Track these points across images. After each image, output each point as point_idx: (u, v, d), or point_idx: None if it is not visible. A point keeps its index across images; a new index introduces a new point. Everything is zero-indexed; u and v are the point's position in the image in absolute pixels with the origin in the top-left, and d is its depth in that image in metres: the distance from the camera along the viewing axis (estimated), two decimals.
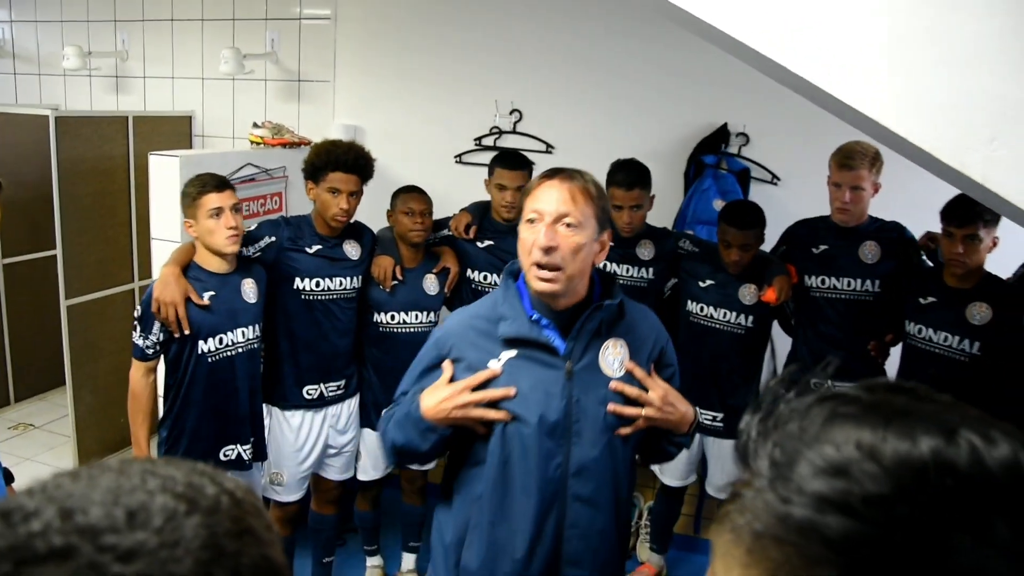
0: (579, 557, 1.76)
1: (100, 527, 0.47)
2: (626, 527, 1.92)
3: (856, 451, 0.48)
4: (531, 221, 1.68)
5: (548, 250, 1.63)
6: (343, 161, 2.85)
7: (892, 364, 3.04)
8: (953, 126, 1.34)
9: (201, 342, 2.62)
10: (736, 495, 0.54)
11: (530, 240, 1.66)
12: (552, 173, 1.72)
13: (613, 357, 1.76)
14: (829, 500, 0.47)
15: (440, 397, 1.71)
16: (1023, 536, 0.45)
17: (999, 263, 2.78)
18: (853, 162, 2.83)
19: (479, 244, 3.19)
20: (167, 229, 3.24)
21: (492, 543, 1.76)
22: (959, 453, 0.47)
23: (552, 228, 1.64)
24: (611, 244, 3.09)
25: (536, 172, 3.13)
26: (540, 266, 1.65)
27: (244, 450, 2.77)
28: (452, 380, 1.74)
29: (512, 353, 1.72)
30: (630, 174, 3.03)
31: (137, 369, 2.62)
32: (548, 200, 1.67)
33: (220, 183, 2.63)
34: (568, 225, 1.65)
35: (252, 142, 3.87)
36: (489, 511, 1.75)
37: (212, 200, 2.58)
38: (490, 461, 1.74)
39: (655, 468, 3.31)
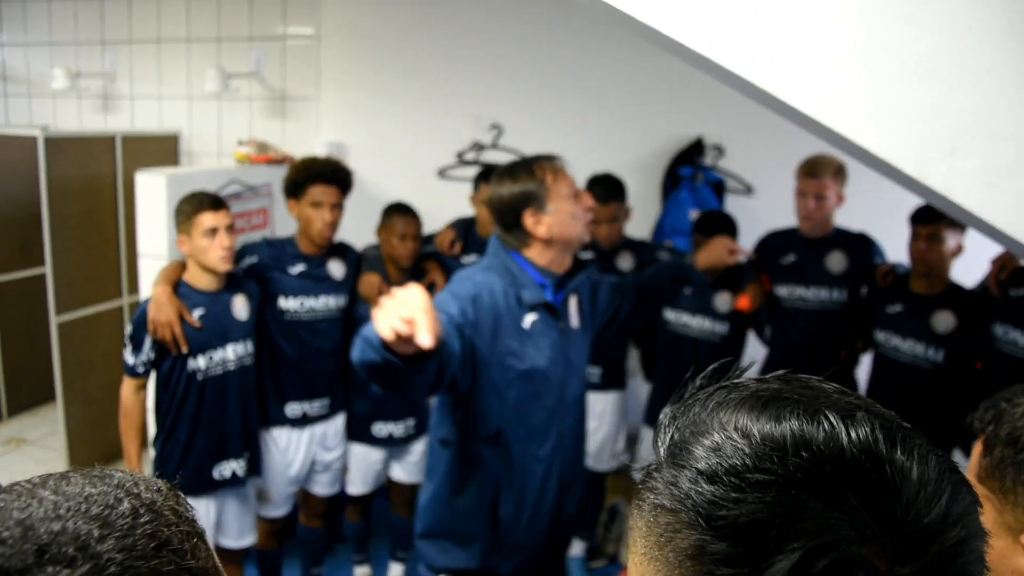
0: (569, 482, 2.15)
1: (10, 570, 0.48)
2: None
3: (733, 431, 0.56)
4: (575, 195, 2.07)
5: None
6: (323, 173, 2.89)
7: (863, 372, 3.11)
8: (915, 138, 1.37)
9: (191, 360, 2.65)
10: (647, 475, 0.61)
11: (583, 207, 2.08)
12: (558, 159, 2.11)
13: (574, 310, 2.15)
14: (703, 472, 0.55)
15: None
16: (871, 505, 0.50)
17: (965, 274, 2.86)
18: (817, 171, 2.92)
19: (464, 260, 3.24)
20: (154, 246, 3.29)
21: (520, 490, 2.07)
22: (817, 431, 0.53)
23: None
24: (591, 255, 3.20)
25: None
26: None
27: (238, 466, 2.80)
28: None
29: (534, 316, 2.03)
30: (605, 188, 3.11)
31: (128, 386, 2.66)
32: (568, 180, 2.08)
33: (215, 202, 2.65)
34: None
35: (237, 160, 3.94)
36: (518, 464, 2.05)
37: (208, 220, 2.60)
38: (514, 417, 2.03)
39: (635, 474, 3.36)
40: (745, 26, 1.43)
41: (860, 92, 1.39)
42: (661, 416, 0.65)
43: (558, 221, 2.03)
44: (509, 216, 2.06)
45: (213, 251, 2.62)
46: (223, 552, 2.91)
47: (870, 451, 0.52)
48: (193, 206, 2.63)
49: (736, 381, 0.63)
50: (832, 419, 0.54)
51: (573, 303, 2.15)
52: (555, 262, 2.09)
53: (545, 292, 2.06)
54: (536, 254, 2.08)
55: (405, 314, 1.46)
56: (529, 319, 2.02)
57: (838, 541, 0.49)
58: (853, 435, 0.53)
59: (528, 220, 2.04)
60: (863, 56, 1.38)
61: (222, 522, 2.85)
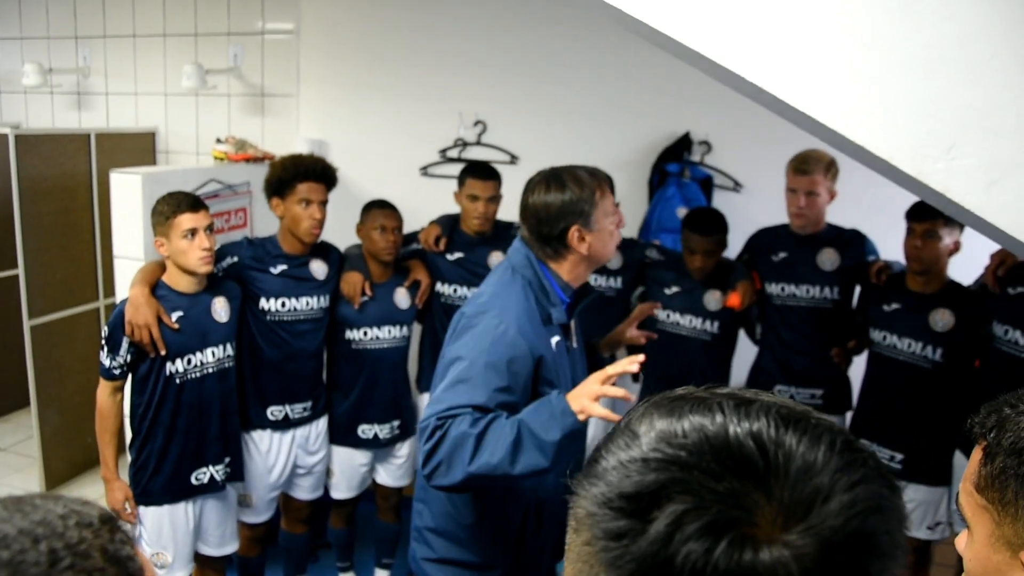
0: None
1: None
2: None
3: (644, 432, 0.59)
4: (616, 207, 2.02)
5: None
6: (312, 170, 2.84)
7: (856, 370, 3.08)
8: (911, 134, 1.33)
9: (169, 363, 2.59)
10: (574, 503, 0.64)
11: (619, 226, 2.05)
12: (606, 177, 2.05)
13: (574, 333, 2.11)
14: (605, 468, 0.59)
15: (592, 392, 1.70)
16: (749, 478, 0.53)
17: (963, 271, 2.83)
18: (808, 167, 2.88)
19: (449, 257, 3.20)
20: (130, 247, 3.20)
21: (546, 513, 2.02)
22: (711, 421, 0.57)
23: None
24: None
25: (503, 182, 3.17)
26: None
27: (216, 471, 2.74)
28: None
29: (557, 336, 1.98)
30: None
31: (104, 389, 2.59)
32: (609, 198, 2.02)
33: (194, 203, 2.59)
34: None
35: (216, 158, 3.85)
36: (546, 491, 1.97)
37: (186, 221, 2.54)
38: None
39: None
40: (737, 20, 1.39)
41: (856, 87, 1.36)
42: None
43: (599, 239, 1.96)
44: (552, 226, 1.94)
45: (192, 253, 2.55)
46: (204, 560, 2.85)
47: (757, 435, 0.56)
48: (171, 207, 2.56)
49: (664, 394, 0.66)
50: (725, 410, 0.58)
51: (573, 322, 2.10)
52: (579, 279, 2.03)
53: (563, 310, 2.00)
54: (566, 269, 1.99)
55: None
56: (555, 340, 1.95)
57: (710, 504, 0.52)
58: (744, 423, 0.57)
59: (573, 234, 1.94)
60: (860, 50, 1.35)
61: (202, 528, 2.79)
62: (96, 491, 3.98)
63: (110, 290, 4.11)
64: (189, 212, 2.55)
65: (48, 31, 4.86)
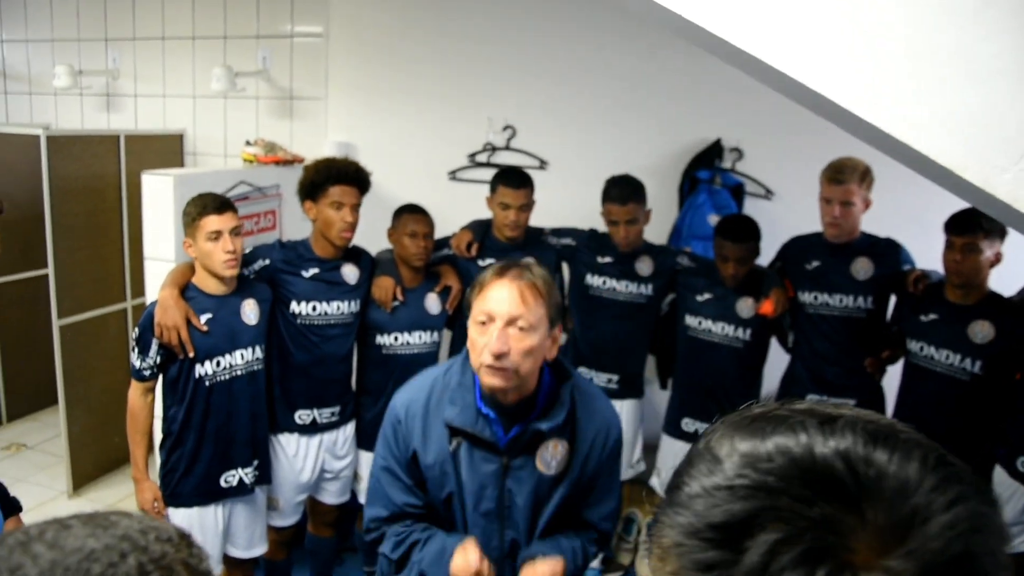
0: None
1: None
2: None
3: (738, 457, 0.56)
4: (483, 323, 1.68)
5: (500, 356, 1.64)
6: (344, 173, 2.83)
7: (890, 381, 3.04)
8: (979, 144, 1.29)
9: (198, 365, 2.59)
10: (652, 523, 0.62)
11: (481, 343, 1.67)
12: (502, 271, 1.71)
13: (551, 457, 1.80)
14: (696, 495, 0.56)
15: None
16: (841, 501, 0.51)
17: (1005, 283, 2.79)
18: (843, 176, 2.84)
19: (480, 263, 3.17)
20: (160, 248, 3.21)
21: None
22: (797, 441, 0.55)
23: (504, 332, 1.65)
24: (610, 260, 3.13)
25: (535, 187, 3.15)
26: (491, 367, 1.66)
27: (246, 474, 2.74)
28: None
29: (457, 441, 1.78)
30: (624, 188, 3.04)
31: (135, 389, 2.60)
32: (500, 302, 1.67)
33: (221, 205, 2.58)
34: (520, 328, 1.66)
35: (245, 160, 3.86)
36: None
37: (212, 223, 2.54)
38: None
39: (654, 483, 3.31)
40: (797, 25, 1.36)
41: (921, 95, 1.32)
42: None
43: (469, 341, 1.73)
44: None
45: (217, 255, 2.56)
46: (232, 562, 2.84)
47: (845, 454, 0.53)
48: (198, 208, 2.57)
49: (737, 412, 0.64)
50: (809, 429, 0.56)
51: (553, 447, 1.79)
52: (504, 391, 1.72)
53: (486, 422, 1.76)
54: None
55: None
56: (453, 443, 1.79)
57: (804, 531, 0.50)
58: (831, 442, 0.54)
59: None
60: (924, 59, 1.31)
61: (231, 531, 2.79)
62: (123, 491, 4.00)
63: (138, 291, 4.13)
64: (215, 214, 2.55)
65: (79, 33, 4.91)
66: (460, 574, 1.71)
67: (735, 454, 0.56)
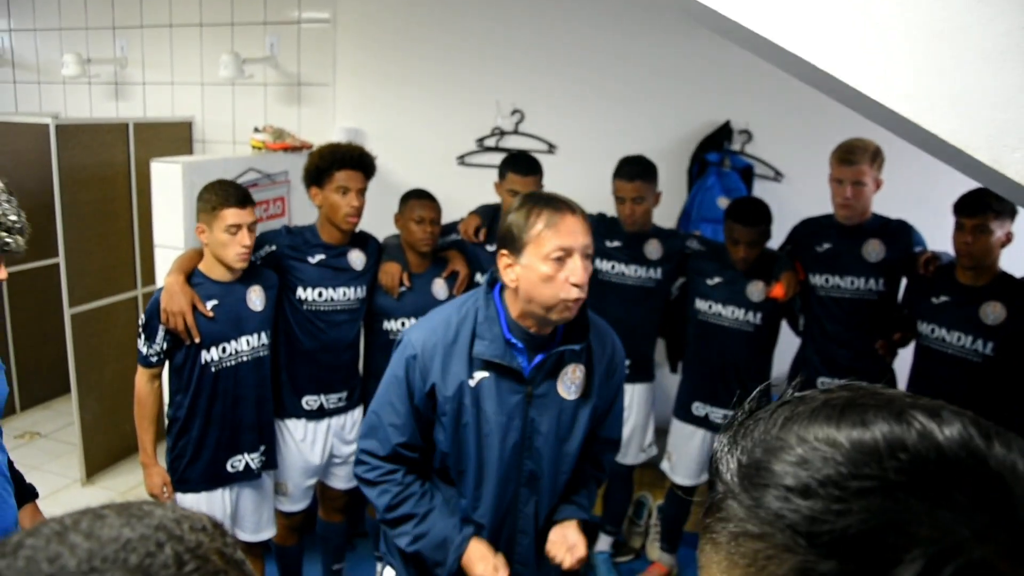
0: (526, 559, 1.97)
1: None
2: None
3: (816, 442, 0.52)
4: (558, 259, 1.71)
5: (583, 285, 1.73)
6: (350, 158, 2.82)
7: (901, 364, 3.02)
8: (989, 124, 1.28)
9: (204, 351, 2.60)
10: (712, 507, 0.57)
11: (562, 277, 1.71)
12: (566, 206, 1.76)
13: (571, 382, 1.88)
14: (791, 488, 0.50)
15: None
16: (981, 503, 0.46)
17: (1015, 263, 2.75)
18: (854, 157, 2.82)
19: (489, 248, 3.16)
20: (170, 236, 3.22)
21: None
22: (909, 432, 0.49)
23: (586, 263, 1.74)
24: (618, 244, 3.12)
25: (544, 171, 3.14)
26: (577, 300, 1.74)
27: (252, 459, 2.74)
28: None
29: (484, 374, 1.82)
30: (634, 167, 3.04)
31: (142, 375, 2.61)
32: (575, 234, 1.73)
33: (243, 199, 2.57)
34: (587, 256, 1.75)
35: (253, 147, 3.86)
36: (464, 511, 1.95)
37: (232, 216, 2.53)
38: (467, 468, 1.91)
39: (665, 467, 3.30)
40: (807, 5, 1.34)
41: (931, 75, 1.31)
42: (716, 446, 0.61)
43: (527, 279, 1.74)
44: (501, 243, 1.83)
45: (232, 248, 2.56)
46: (241, 546, 2.85)
47: (968, 447, 0.49)
48: (219, 198, 2.55)
49: (798, 395, 0.59)
50: (920, 418, 0.51)
51: (572, 371, 1.89)
52: (525, 319, 1.81)
53: (512, 353, 1.83)
54: (510, 302, 1.84)
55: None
56: (478, 376, 1.82)
57: (959, 544, 0.45)
58: (947, 432, 0.49)
59: (501, 260, 1.81)
60: (934, 39, 1.29)
61: (239, 515, 2.80)
62: (135, 478, 4.03)
63: (148, 278, 4.14)
64: (236, 207, 2.54)
65: (86, 22, 4.90)
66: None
67: (839, 445, 0.50)
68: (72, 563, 0.46)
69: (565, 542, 1.91)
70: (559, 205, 1.75)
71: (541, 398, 1.85)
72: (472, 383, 1.82)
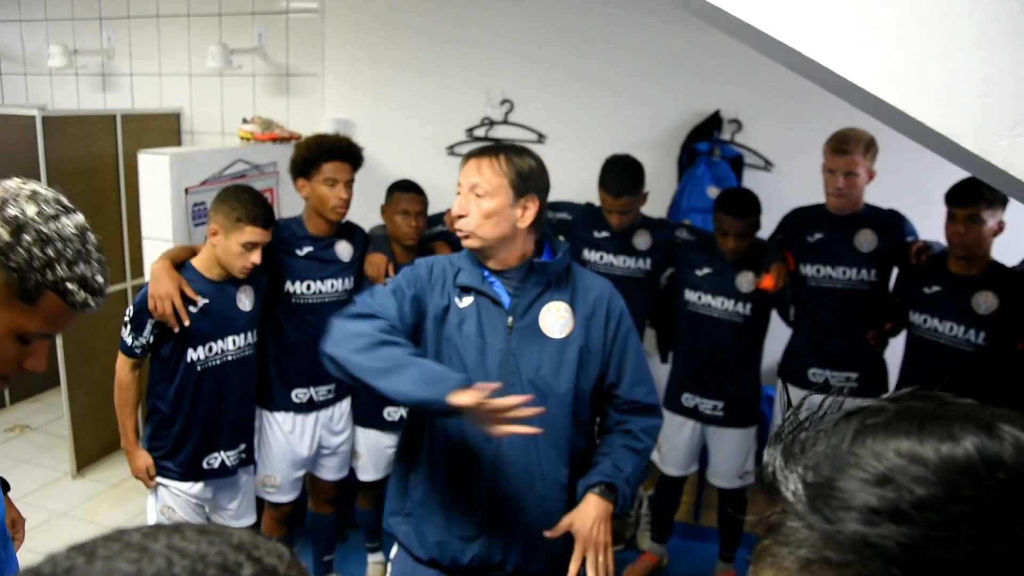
0: (515, 505, 1.89)
1: None
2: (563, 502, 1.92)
3: (897, 458, 0.48)
4: (459, 195, 1.90)
5: (459, 217, 1.87)
6: (338, 149, 2.81)
7: (892, 354, 3.02)
8: (975, 111, 1.27)
9: (191, 350, 2.58)
10: (772, 528, 0.53)
11: (453, 210, 1.92)
12: (474, 152, 1.93)
13: (555, 319, 1.91)
14: (880, 511, 0.46)
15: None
16: None
17: (1008, 252, 2.76)
18: (847, 147, 2.81)
19: None
20: (158, 228, 3.20)
21: (449, 495, 1.91)
22: (1003, 447, 0.46)
23: (464, 197, 1.87)
24: (606, 235, 3.10)
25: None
26: (459, 229, 1.89)
27: (228, 456, 2.73)
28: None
29: (470, 299, 1.90)
30: (620, 180, 3.01)
31: (124, 363, 2.59)
32: (464, 174, 1.89)
33: (268, 220, 2.56)
34: (478, 195, 1.85)
35: (242, 138, 3.84)
36: (445, 460, 1.92)
37: (253, 234, 2.52)
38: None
39: (655, 458, 3.30)
40: None
41: (916, 62, 1.30)
42: (767, 459, 0.56)
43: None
44: None
45: (242, 261, 2.55)
46: None
47: None
48: (245, 212, 2.51)
49: (861, 405, 0.55)
50: (1010, 430, 0.48)
51: (556, 309, 1.90)
52: (480, 256, 1.91)
53: (488, 282, 1.91)
54: None
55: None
56: (466, 300, 1.90)
57: None
58: None
59: None
60: (920, 25, 1.28)
61: (216, 503, 2.80)
62: (125, 471, 3.97)
63: (137, 270, 4.12)
64: (260, 228, 2.53)
65: (72, 13, 4.86)
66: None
67: (926, 461, 0.47)
68: (151, 570, 0.45)
69: (591, 537, 1.77)
70: (471, 152, 1.94)
71: (523, 331, 1.88)
72: (460, 305, 1.90)
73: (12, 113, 4.26)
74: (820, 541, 0.48)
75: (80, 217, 1.16)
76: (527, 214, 1.88)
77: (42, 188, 1.13)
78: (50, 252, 1.08)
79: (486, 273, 1.92)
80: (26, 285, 1.07)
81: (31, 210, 1.08)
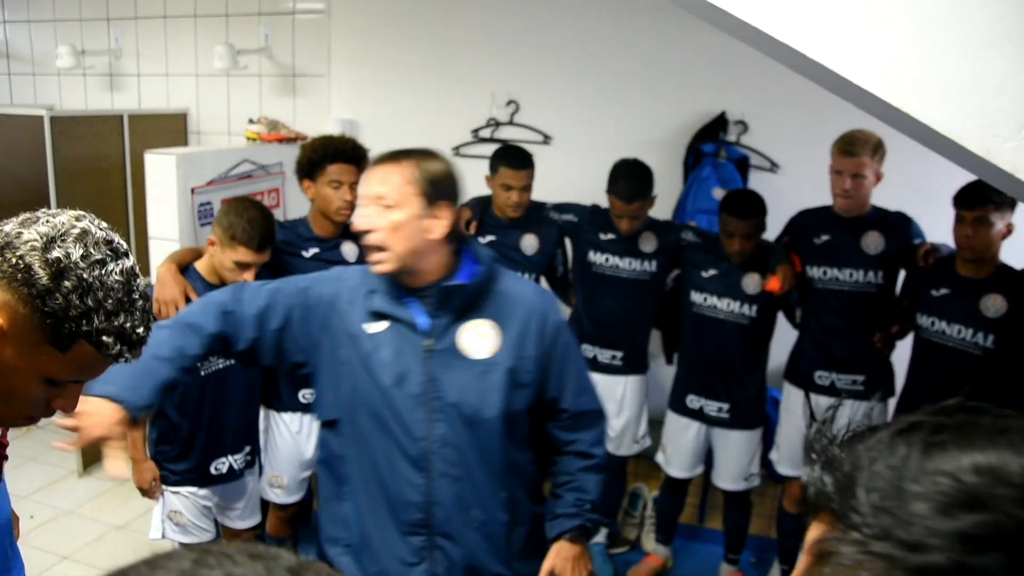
0: (454, 532, 1.76)
1: None
2: (525, 521, 1.86)
3: (978, 477, 0.45)
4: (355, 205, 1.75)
5: (365, 233, 1.69)
6: (343, 151, 2.81)
7: (898, 357, 3.01)
8: (980, 113, 1.26)
9: None
10: (827, 554, 0.50)
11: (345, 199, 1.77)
12: (377, 158, 1.77)
13: (476, 339, 1.75)
14: (976, 537, 0.44)
15: None
16: None
17: (1016, 254, 2.74)
18: (855, 148, 2.80)
19: (481, 240, 3.15)
20: (164, 228, 3.21)
21: (385, 524, 1.78)
22: None
23: (370, 209, 1.70)
24: (612, 237, 3.10)
25: (537, 164, 3.12)
26: (369, 248, 1.71)
27: (235, 460, 2.73)
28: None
29: (384, 325, 1.74)
30: (630, 185, 2.99)
31: None
32: (365, 184, 1.73)
33: (263, 243, 2.53)
34: (386, 206, 1.67)
35: (248, 138, 3.85)
36: (375, 490, 1.78)
37: (246, 255, 2.50)
38: (366, 425, 1.76)
39: (660, 459, 3.30)
40: None
41: (921, 64, 1.29)
42: (809, 479, 0.53)
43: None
44: None
45: (234, 277, 2.52)
46: (231, 532, 2.87)
47: None
48: (240, 232, 2.48)
49: (910, 421, 0.53)
50: None
51: (476, 327, 1.75)
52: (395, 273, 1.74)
53: (404, 306, 1.75)
54: None
55: None
56: (380, 325, 1.75)
57: None
58: None
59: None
60: (925, 26, 1.28)
61: (223, 506, 2.80)
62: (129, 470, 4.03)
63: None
64: (253, 250, 2.50)
65: (80, 13, 4.88)
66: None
67: (1010, 482, 0.45)
68: None
69: None
70: (374, 159, 1.79)
71: (443, 354, 1.72)
72: (372, 331, 1.75)
73: (21, 113, 4.28)
74: (902, 570, 0.45)
75: (129, 262, 1.09)
76: (440, 224, 1.70)
77: (94, 226, 1.07)
78: (89, 302, 1.02)
79: (402, 295, 1.76)
80: (59, 332, 1.02)
81: (76, 253, 1.02)
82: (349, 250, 2.93)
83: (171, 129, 4.51)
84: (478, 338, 1.75)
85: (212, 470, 2.69)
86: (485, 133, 3.98)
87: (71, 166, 3.84)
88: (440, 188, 1.71)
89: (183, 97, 4.66)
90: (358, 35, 4.19)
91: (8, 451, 1.38)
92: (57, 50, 4.69)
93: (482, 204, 3.21)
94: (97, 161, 4.00)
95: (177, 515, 2.67)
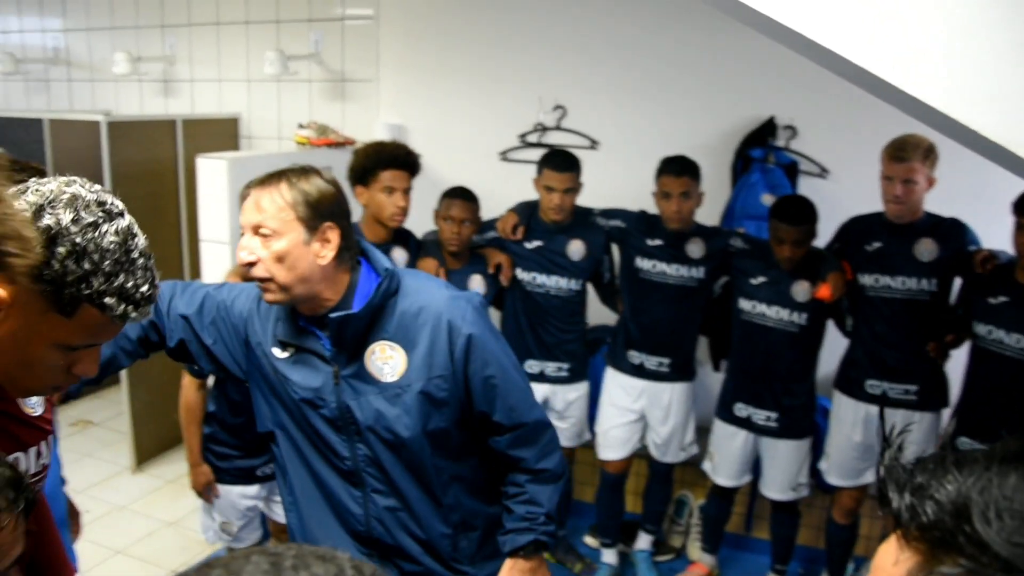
0: (398, 544, 1.74)
1: None
2: (477, 526, 1.80)
3: None
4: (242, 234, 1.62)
5: (249, 265, 1.58)
6: (395, 157, 2.83)
7: (952, 366, 2.94)
8: None
9: None
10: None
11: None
12: (251, 184, 1.63)
13: (381, 361, 1.66)
14: None
15: None
16: None
17: None
18: (905, 154, 2.75)
19: (527, 245, 3.15)
20: (216, 231, 3.28)
21: (322, 518, 1.76)
22: None
23: (248, 241, 1.58)
24: (660, 243, 3.08)
25: (584, 169, 3.12)
26: (256, 280, 1.62)
27: None
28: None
29: (291, 351, 1.69)
30: (680, 163, 3.01)
31: (190, 384, 2.71)
32: (244, 213, 1.60)
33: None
34: (264, 236, 1.57)
35: (298, 143, 3.91)
36: (305, 490, 1.77)
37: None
38: (299, 439, 1.74)
39: (707, 467, 3.27)
40: (848, 4, 1.32)
41: (971, 71, 1.28)
42: (896, 506, 0.53)
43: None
44: None
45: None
46: (278, 527, 2.92)
47: None
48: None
49: (1012, 446, 0.52)
50: None
51: (380, 351, 1.66)
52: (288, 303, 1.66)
53: (307, 334, 1.68)
54: None
55: None
56: (285, 353, 1.70)
57: None
58: None
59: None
60: (974, 33, 1.27)
61: (271, 499, 2.85)
62: (183, 467, 4.09)
63: (195, 273, 4.21)
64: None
65: (137, 20, 5.00)
66: None
67: None
68: None
69: None
70: (248, 184, 1.64)
71: (352, 380, 1.66)
72: (280, 356, 1.70)
73: (79, 119, 4.40)
74: None
75: (124, 221, 1.06)
76: (328, 248, 1.59)
77: (84, 190, 1.04)
78: (86, 265, 1.00)
79: (302, 323, 1.68)
80: (61, 299, 1.00)
81: (67, 218, 1.00)
82: (399, 255, 2.95)
83: (223, 134, 4.60)
84: (382, 363, 1.66)
85: (258, 473, 2.75)
86: (532, 138, 3.98)
87: (126, 170, 3.93)
88: (321, 208, 1.58)
89: (234, 102, 4.75)
90: (406, 40, 4.23)
91: (61, 446, 1.40)
92: (114, 56, 4.82)
93: (529, 209, 3.21)
94: (151, 165, 4.10)
95: (227, 525, 2.74)
